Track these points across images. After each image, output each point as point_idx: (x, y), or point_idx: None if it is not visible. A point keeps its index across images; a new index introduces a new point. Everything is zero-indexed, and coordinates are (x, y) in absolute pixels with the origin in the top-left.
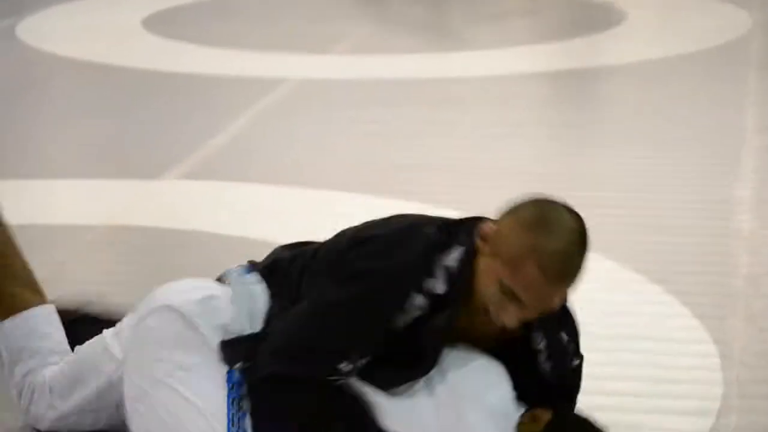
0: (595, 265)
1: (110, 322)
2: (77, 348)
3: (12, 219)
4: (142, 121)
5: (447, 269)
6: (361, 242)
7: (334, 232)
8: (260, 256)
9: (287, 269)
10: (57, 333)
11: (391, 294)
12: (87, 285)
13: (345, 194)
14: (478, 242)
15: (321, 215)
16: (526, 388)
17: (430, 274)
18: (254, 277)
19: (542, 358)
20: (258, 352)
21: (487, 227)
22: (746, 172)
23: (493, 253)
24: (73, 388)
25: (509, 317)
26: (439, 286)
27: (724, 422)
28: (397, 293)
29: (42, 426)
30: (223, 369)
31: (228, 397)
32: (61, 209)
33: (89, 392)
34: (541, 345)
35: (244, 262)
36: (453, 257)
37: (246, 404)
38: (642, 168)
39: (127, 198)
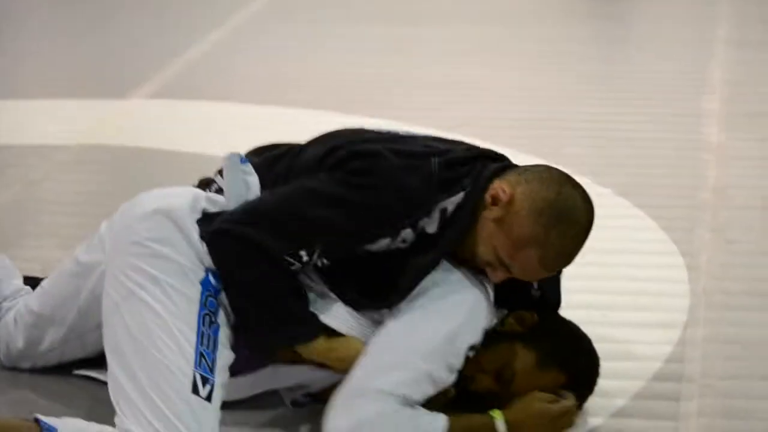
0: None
1: None
2: (47, 279)
3: None
4: (111, 40)
5: (444, 212)
6: (367, 155)
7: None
8: None
9: (273, 166)
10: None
11: (385, 220)
12: (58, 204)
13: (320, 112)
14: (487, 199)
15: (295, 133)
16: (506, 298)
17: (428, 213)
18: (249, 168)
19: (534, 285)
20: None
21: (500, 189)
22: (715, 84)
23: (499, 222)
24: (54, 314)
25: (496, 277)
26: (431, 226)
27: (691, 333)
28: (391, 222)
29: (26, 363)
30: (199, 276)
31: (200, 312)
32: (32, 130)
33: (72, 315)
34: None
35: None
36: (452, 201)
37: (218, 318)
38: (609, 81)
39: (98, 117)
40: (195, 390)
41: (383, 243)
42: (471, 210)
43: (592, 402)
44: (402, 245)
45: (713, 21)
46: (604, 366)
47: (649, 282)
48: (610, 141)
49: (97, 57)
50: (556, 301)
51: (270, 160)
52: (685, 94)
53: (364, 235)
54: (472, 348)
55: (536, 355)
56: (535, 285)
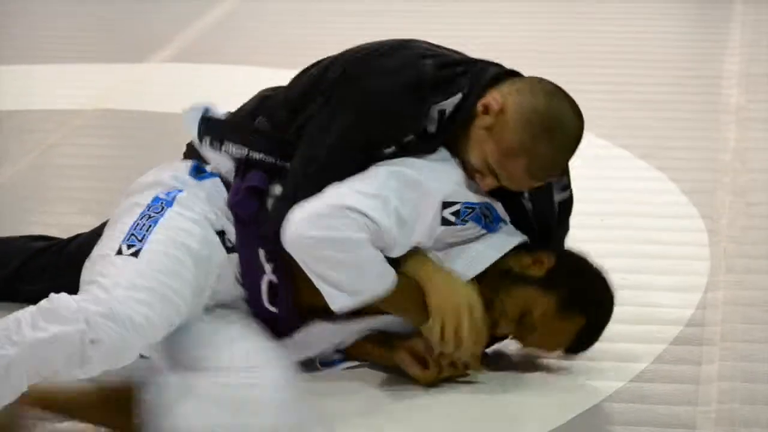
0: (583, 142)
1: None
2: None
3: (1, 105)
4: (128, 3)
5: (442, 114)
6: (356, 79)
7: None
8: None
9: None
10: None
11: (392, 128)
12: (75, 168)
13: None
14: (479, 107)
15: None
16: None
17: (427, 114)
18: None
19: (525, 195)
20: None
21: (491, 99)
22: (735, 46)
23: (489, 129)
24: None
25: (486, 184)
26: (431, 126)
27: (711, 297)
28: (396, 130)
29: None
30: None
31: (142, 212)
32: (49, 95)
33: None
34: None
35: None
36: (450, 103)
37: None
38: (630, 43)
39: (115, 82)
40: (119, 252)
41: (389, 152)
42: (467, 109)
43: (613, 366)
44: (407, 146)
45: None
46: (625, 329)
47: (670, 245)
48: (629, 103)
49: (115, 21)
50: (561, 223)
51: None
52: (704, 56)
53: (373, 155)
54: (449, 205)
55: (557, 302)
56: (526, 195)
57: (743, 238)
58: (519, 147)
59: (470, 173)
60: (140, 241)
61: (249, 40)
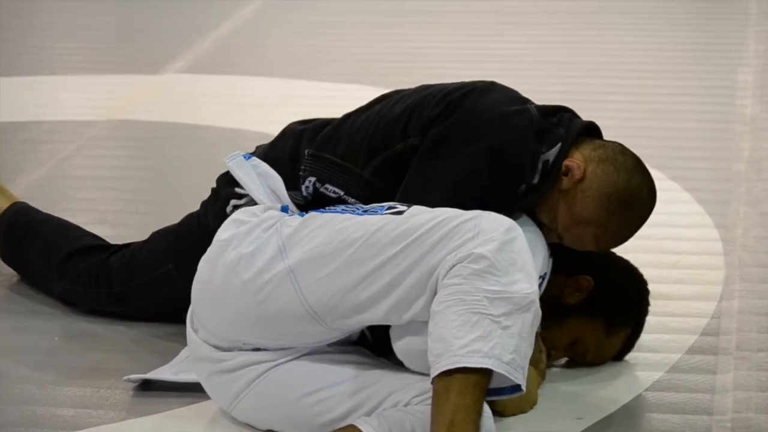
0: None
1: None
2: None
3: (15, 116)
4: (143, 15)
5: (546, 164)
6: (471, 112)
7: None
8: None
9: (321, 129)
10: None
11: (514, 177)
12: (90, 179)
13: (354, 86)
14: (563, 168)
15: (327, 108)
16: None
17: (535, 164)
18: (255, 160)
19: None
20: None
21: (575, 163)
22: (749, 56)
23: (567, 193)
24: None
25: (549, 238)
26: (535, 177)
27: (726, 306)
28: (516, 179)
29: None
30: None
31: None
32: (64, 105)
33: None
34: None
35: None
36: (552, 153)
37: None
38: (645, 54)
39: (130, 93)
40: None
41: (501, 201)
42: (561, 165)
43: (628, 375)
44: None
45: None
46: (639, 339)
47: (684, 255)
48: (643, 113)
49: (129, 32)
50: None
51: (318, 126)
52: (719, 66)
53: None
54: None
55: (604, 323)
56: None
57: (758, 247)
58: (592, 219)
59: (539, 223)
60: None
61: (264, 51)
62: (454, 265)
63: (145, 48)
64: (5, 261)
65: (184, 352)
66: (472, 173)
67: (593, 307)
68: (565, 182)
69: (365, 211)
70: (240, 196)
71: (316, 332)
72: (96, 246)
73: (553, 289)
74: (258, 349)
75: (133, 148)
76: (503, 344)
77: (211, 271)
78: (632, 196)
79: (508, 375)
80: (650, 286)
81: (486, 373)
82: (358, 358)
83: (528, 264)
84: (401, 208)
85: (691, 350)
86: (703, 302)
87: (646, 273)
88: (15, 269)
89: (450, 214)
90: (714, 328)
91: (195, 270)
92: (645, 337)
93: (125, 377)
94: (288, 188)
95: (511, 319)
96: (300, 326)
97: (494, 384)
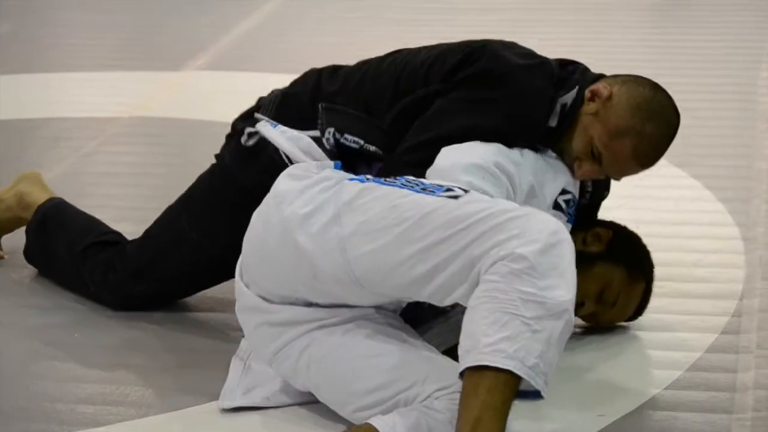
0: None
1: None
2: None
3: (36, 113)
4: (164, 11)
5: (564, 107)
6: (496, 58)
7: None
8: None
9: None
10: None
11: (532, 125)
12: (111, 176)
13: None
14: (586, 94)
15: None
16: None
17: (552, 108)
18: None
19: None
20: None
21: (601, 86)
22: None
23: (598, 114)
24: None
25: (582, 172)
26: (553, 120)
27: (747, 304)
28: (535, 126)
29: None
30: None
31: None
32: (85, 102)
33: None
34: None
35: None
36: (570, 96)
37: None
38: (665, 51)
39: (151, 89)
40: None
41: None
42: (582, 101)
43: (648, 373)
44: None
45: None
46: (660, 337)
47: (705, 253)
48: None
49: (150, 29)
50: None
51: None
52: (740, 63)
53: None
54: (565, 193)
55: (626, 270)
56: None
57: None
58: (629, 128)
59: (569, 163)
60: (431, 190)
61: (285, 47)
62: (495, 262)
63: (166, 45)
64: (30, 258)
65: (234, 371)
66: (493, 112)
67: (614, 253)
68: (593, 106)
69: (423, 189)
70: (254, 123)
71: (363, 297)
72: (114, 241)
73: (576, 242)
74: (310, 305)
75: (153, 144)
76: (529, 347)
77: (265, 227)
78: (660, 105)
79: (528, 379)
80: (671, 285)
81: (516, 374)
82: (400, 335)
83: (569, 271)
84: (458, 192)
85: (712, 349)
86: (723, 300)
87: (667, 271)
88: (39, 266)
89: (503, 206)
90: (734, 327)
91: (208, 215)
92: (665, 335)
93: (221, 406)
94: (308, 129)
95: (542, 324)
96: (348, 292)
97: (520, 386)
